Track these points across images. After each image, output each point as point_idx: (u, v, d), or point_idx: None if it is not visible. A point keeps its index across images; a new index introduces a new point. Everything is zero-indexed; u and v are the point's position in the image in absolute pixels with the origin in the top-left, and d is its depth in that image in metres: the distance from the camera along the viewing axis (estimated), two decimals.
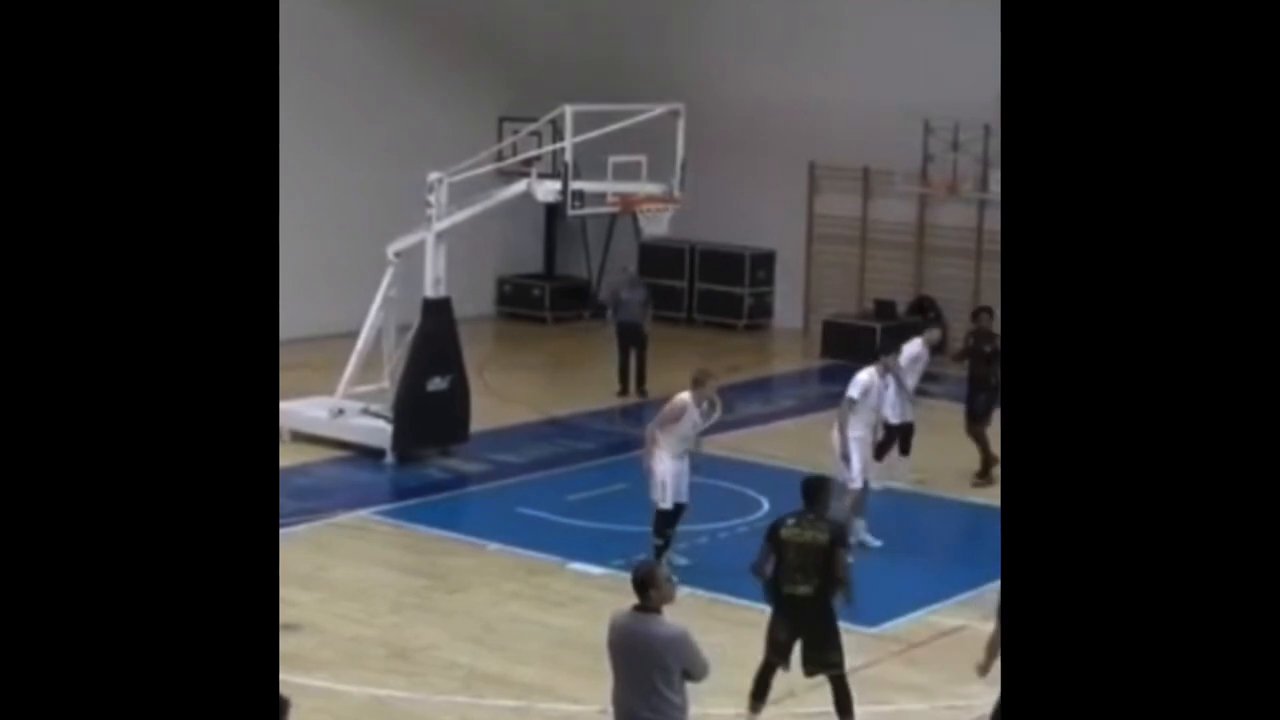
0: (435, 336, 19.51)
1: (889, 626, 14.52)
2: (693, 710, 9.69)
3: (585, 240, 29.66)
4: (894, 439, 18.29)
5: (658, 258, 28.66)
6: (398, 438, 19.30)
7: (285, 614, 12.87)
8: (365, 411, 19.93)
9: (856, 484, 16.00)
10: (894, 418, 18.22)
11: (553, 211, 25.71)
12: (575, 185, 19.33)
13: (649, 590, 9.46)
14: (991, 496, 17.46)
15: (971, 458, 18.74)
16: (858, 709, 12.47)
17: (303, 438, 19.71)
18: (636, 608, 9.47)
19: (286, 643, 12.79)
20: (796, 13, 28.05)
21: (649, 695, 9.34)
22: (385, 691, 12.77)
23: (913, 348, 18.35)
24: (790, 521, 11.82)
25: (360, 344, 19.99)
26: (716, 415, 15.95)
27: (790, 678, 13.16)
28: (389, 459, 19.33)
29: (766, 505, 17.72)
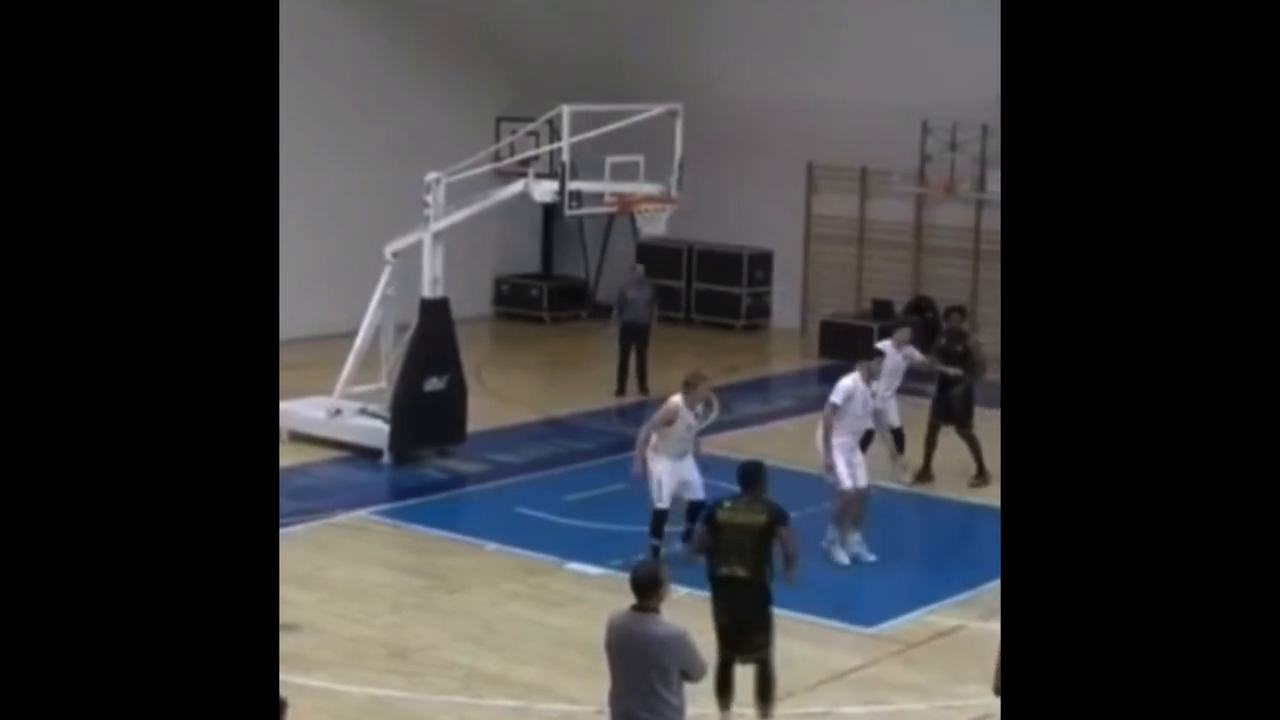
0: (433, 336, 19.51)
1: (886, 627, 14.53)
2: (690, 711, 9.70)
3: (583, 240, 29.67)
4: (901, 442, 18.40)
5: (655, 258, 28.60)
6: (395, 438, 19.30)
7: (284, 614, 12.86)
8: (363, 411, 19.93)
9: (845, 484, 15.91)
10: (896, 421, 18.31)
11: (550, 212, 25.71)
12: (573, 185, 19.33)
13: (651, 591, 9.47)
14: (988, 496, 17.47)
15: (965, 457, 18.73)
16: (857, 709, 12.51)
17: (300, 438, 19.70)
18: (635, 608, 9.48)
19: (285, 643, 12.76)
20: (795, 13, 28.06)
21: (647, 695, 9.34)
22: (384, 691, 12.77)
23: (881, 345, 18.50)
24: (727, 504, 11.94)
25: (358, 344, 19.99)
26: (714, 415, 15.94)
27: (789, 678, 13.17)
28: (386, 459, 19.32)
29: None
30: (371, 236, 20.79)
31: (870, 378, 16.35)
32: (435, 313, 19.50)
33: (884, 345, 18.58)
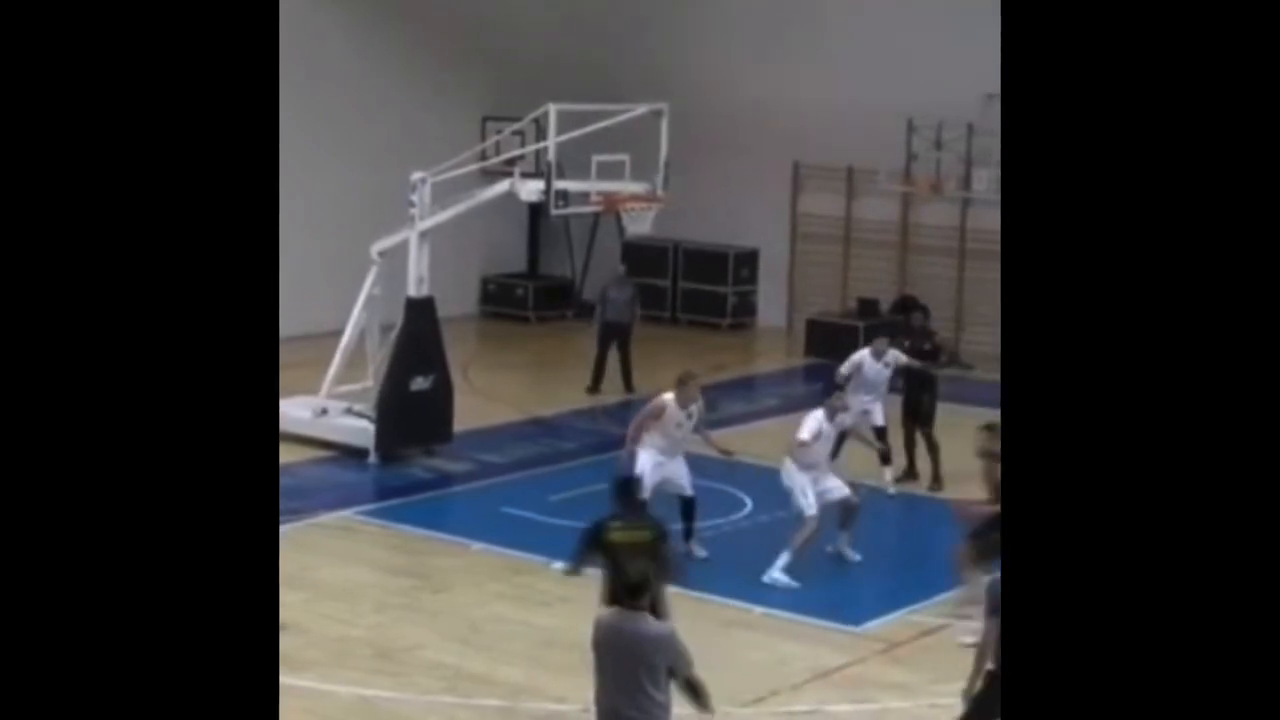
0: (419, 336, 19.51)
1: (872, 626, 14.55)
2: (677, 710, 9.71)
3: (569, 240, 29.68)
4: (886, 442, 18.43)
5: (641, 257, 28.65)
6: (381, 437, 19.29)
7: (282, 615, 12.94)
8: (349, 411, 19.92)
9: (811, 512, 15.83)
10: (880, 420, 18.32)
11: (536, 211, 25.71)
12: (559, 185, 19.34)
13: (642, 590, 9.49)
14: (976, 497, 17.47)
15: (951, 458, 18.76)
16: (843, 707, 12.53)
17: (286, 437, 19.63)
18: (623, 606, 9.49)
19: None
20: (781, 13, 28.08)
21: (635, 694, 9.34)
22: (371, 691, 12.77)
23: (858, 358, 18.27)
24: (616, 525, 12.11)
25: (344, 343, 19.99)
26: (697, 418, 15.92)
27: (776, 677, 13.21)
28: (373, 459, 19.32)
29: (750, 504, 17.76)
30: (356, 236, 20.79)
31: (834, 414, 16.17)
32: (421, 312, 19.49)
33: (863, 355, 18.35)
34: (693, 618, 13.31)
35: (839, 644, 14.13)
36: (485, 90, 27.94)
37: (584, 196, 19.74)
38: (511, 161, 21.25)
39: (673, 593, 12.46)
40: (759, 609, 14.75)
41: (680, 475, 15.88)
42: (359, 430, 19.51)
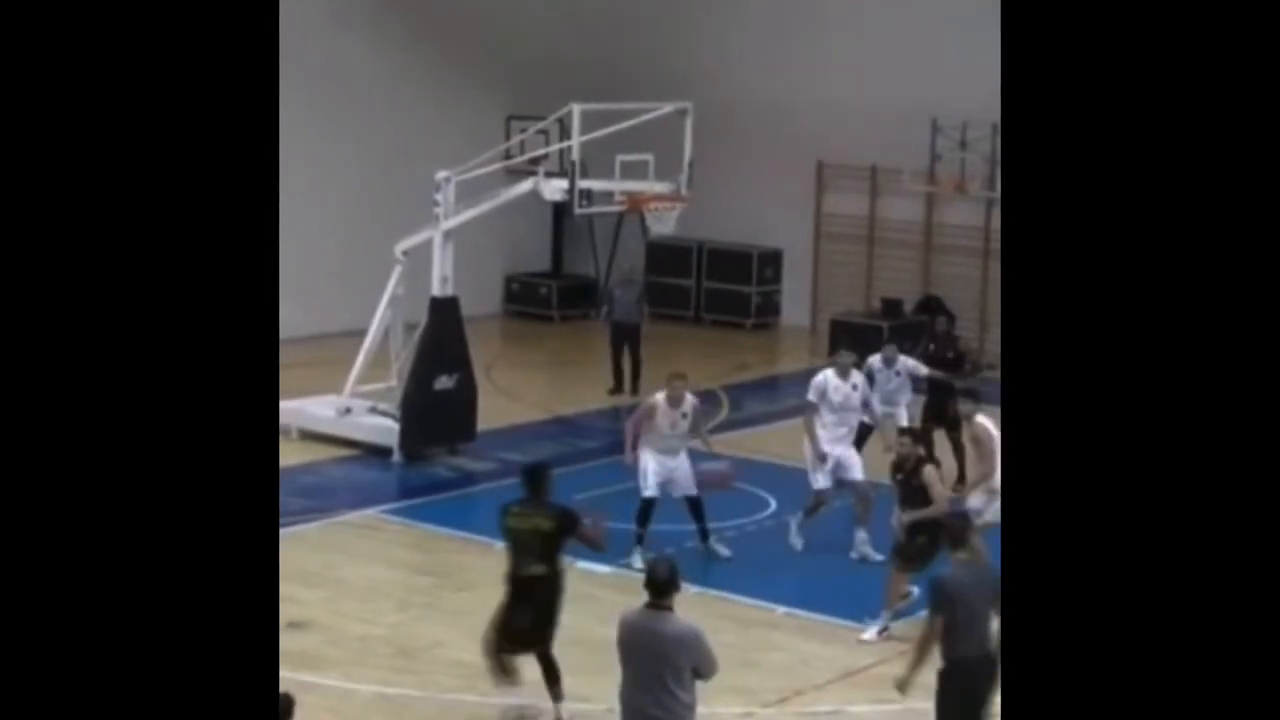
0: (442, 335, 19.51)
1: (896, 626, 14.49)
2: (700, 709, 9.70)
3: (593, 239, 29.66)
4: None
5: (665, 256, 28.68)
6: (405, 436, 19.31)
7: (293, 612, 12.95)
8: (373, 410, 19.94)
9: (817, 485, 16.13)
10: (904, 422, 18.23)
11: (560, 210, 25.68)
12: (583, 184, 19.32)
13: (669, 589, 9.48)
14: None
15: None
16: (866, 708, 12.50)
17: (310, 436, 19.72)
18: (650, 605, 9.49)
19: (294, 641, 12.83)
20: (805, 12, 28.03)
21: (659, 693, 9.34)
22: (393, 690, 12.77)
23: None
24: (515, 509, 12.17)
25: (368, 342, 20.01)
26: (692, 418, 15.90)
27: (799, 677, 13.18)
28: (396, 457, 19.33)
29: (774, 504, 17.73)
30: (380, 235, 20.80)
31: (841, 373, 16.28)
32: (445, 311, 19.50)
33: (874, 362, 18.10)
34: (716, 617, 13.30)
35: (862, 645, 14.10)
36: (509, 90, 27.93)
37: (608, 196, 19.73)
38: (535, 161, 21.23)
39: (695, 593, 12.46)
40: (782, 609, 14.73)
41: (683, 476, 15.91)
42: (383, 429, 19.52)
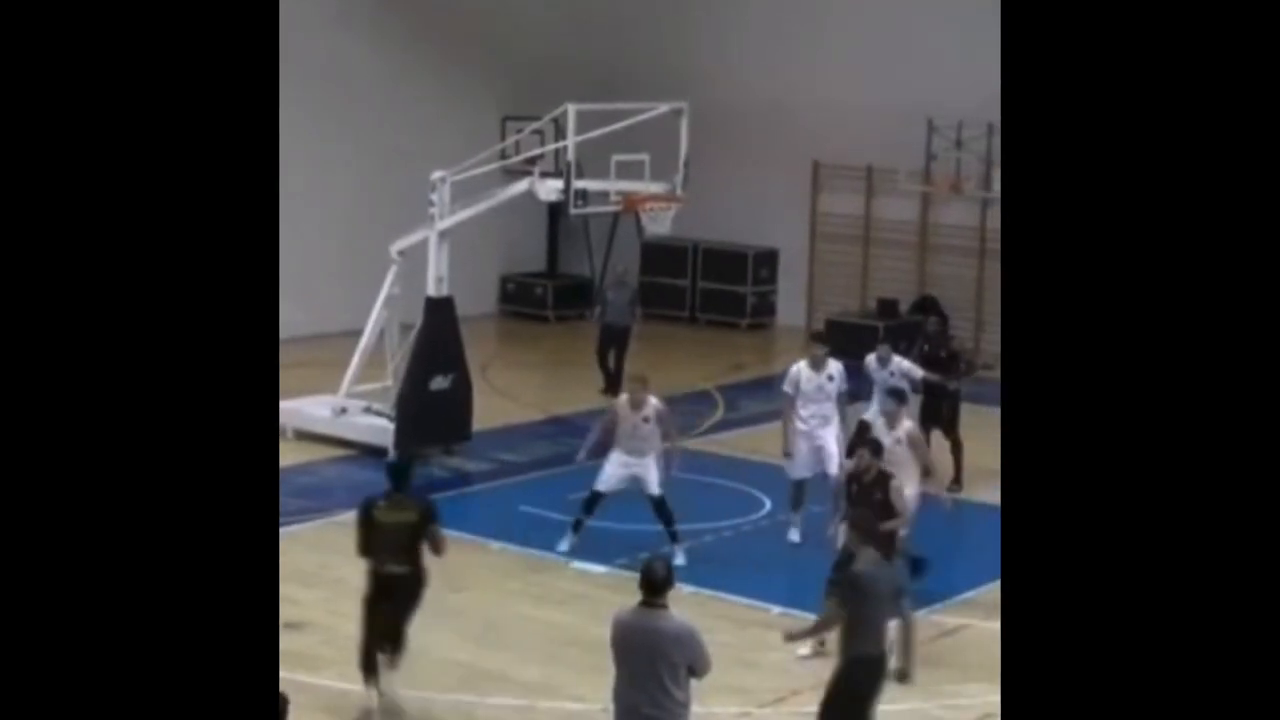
0: (438, 335, 19.51)
1: (891, 625, 14.47)
2: (697, 709, 9.70)
3: (588, 239, 29.66)
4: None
5: (660, 256, 28.69)
6: (400, 436, 19.29)
7: (289, 612, 12.90)
8: (368, 410, 19.93)
9: (793, 475, 16.44)
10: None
11: (555, 210, 25.66)
12: (578, 184, 19.33)
13: (664, 587, 9.49)
14: (991, 496, 17.43)
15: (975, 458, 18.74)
16: None
17: (306, 436, 19.71)
18: (644, 604, 9.49)
19: (290, 641, 12.81)
20: (801, 12, 28.04)
21: (654, 692, 9.34)
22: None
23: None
24: (381, 504, 12.28)
25: (363, 342, 20.00)
26: (651, 426, 15.91)
27: (795, 676, 13.17)
28: (391, 458, 19.30)
29: (769, 504, 17.73)
30: (377, 235, 20.79)
31: (814, 364, 16.41)
32: (440, 311, 19.50)
33: (869, 362, 18.18)
34: (712, 617, 13.30)
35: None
36: (505, 90, 27.93)
37: (603, 196, 19.73)
38: (531, 161, 21.24)
39: (689, 592, 12.47)
40: (777, 609, 14.73)
41: (648, 475, 15.95)
42: (378, 429, 19.51)
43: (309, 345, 22.43)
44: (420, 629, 14.13)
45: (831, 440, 16.39)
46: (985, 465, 18.69)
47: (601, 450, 16.16)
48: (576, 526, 16.07)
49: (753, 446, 19.82)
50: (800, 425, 16.42)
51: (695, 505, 17.02)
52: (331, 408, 19.92)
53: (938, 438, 18.61)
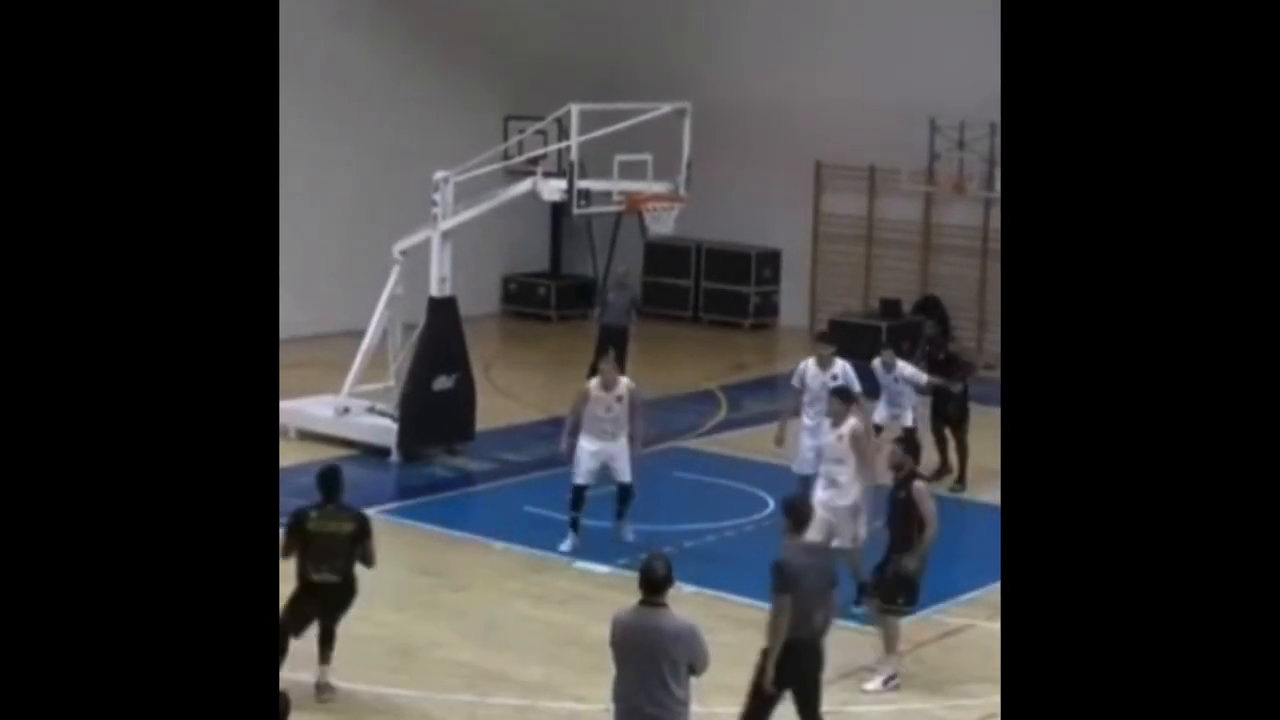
0: (441, 335, 19.51)
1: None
2: (698, 709, 9.70)
3: (591, 239, 29.65)
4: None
5: (663, 256, 28.69)
6: (403, 436, 19.30)
7: None
8: (371, 410, 19.93)
9: (797, 471, 16.42)
10: (909, 422, 18.34)
11: (558, 210, 25.67)
12: (581, 184, 19.32)
13: (665, 586, 9.50)
14: (994, 496, 17.43)
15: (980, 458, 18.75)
16: (864, 707, 12.47)
17: (308, 436, 19.71)
18: (644, 603, 9.49)
19: (292, 641, 12.82)
20: (803, 12, 28.04)
21: (655, 690, 9.34)
22: (390, 690, 12.77)
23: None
24: (314, 514, 12.31)
25: (366, 342, 20.00)
26: (623, 406, 16.13)
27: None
28: (395, 457, 19.32)
29: (772, 504, 17.71)
30: (378, 235, 20.80)
31: (821, 363, 16.50)
32: (443, 311, 19.50)
33: (876, 366, 18.35)
34: (714, 617, 13.29)
35: (862, 644, 14.09)
36: (508, 90, 27.94)
37: (606, 196, 19.73)
38: (534, 161, 21.24)
39: (691, 592, 12.45)
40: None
41: (619, 461, 16.15)
42: (381, 429, 19.51)
43: (311, 345, 22.43)
44: (422, 629, 14.16)
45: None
46: (987, 465, 18.73)
47: (575, 433, 16.24)
48: (574, 525, 16.10)
49: (755, 446, 19.80)
50: (806, 421, 16.49)
51: (698, 505, 17.03)
52: (334, 407, 19.92)
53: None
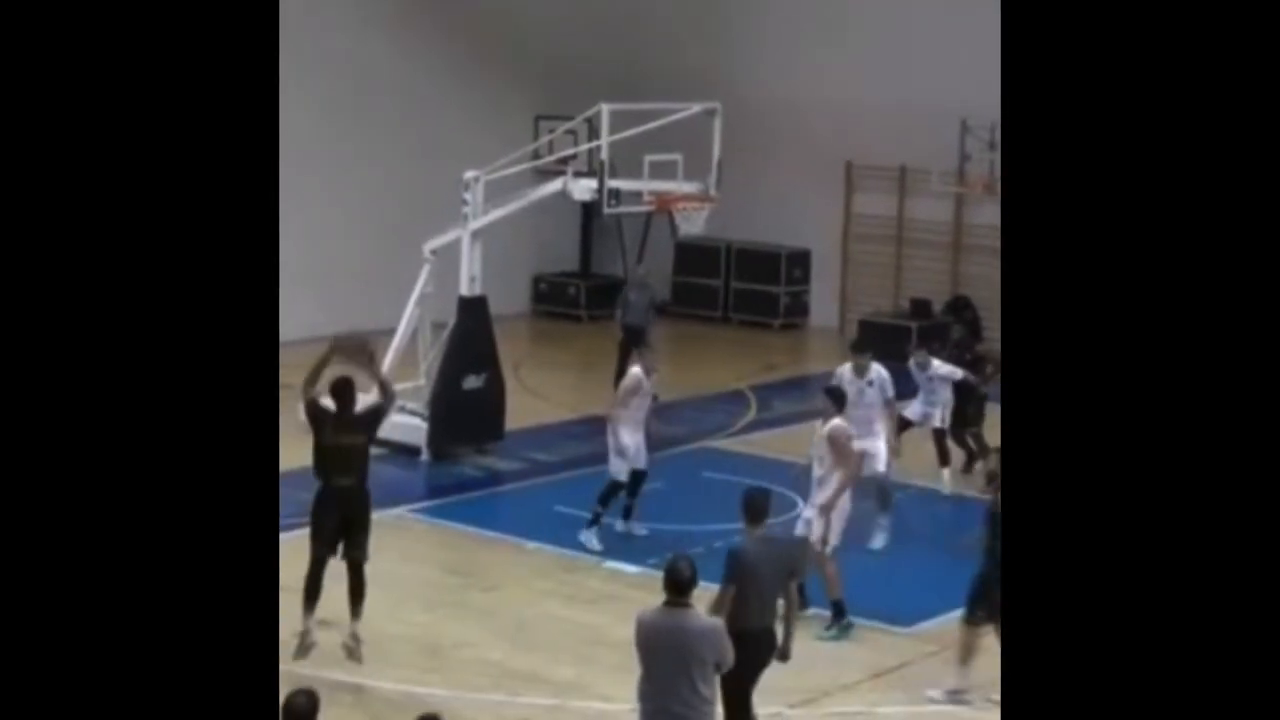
0: (471, 334, 19.53)
1: (923, 627, 14.49)
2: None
3: (621, 239, 29.64)
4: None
5: (693, 256, 28.67)
6: (433, 435, 19.33)
7: (319, 610, 12.97)
8: (401, 409, 19.94)
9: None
10: (938, 423, 18.40)
11: (589, 210, 25.72)
12: (611, 184, 19.34)
13: (690, 587, 9.50)
14: None
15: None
16: (894, 709, 12.46)
17: None
18: (669, 603, 9.49)
19: (320, 638, 12.86)
20: (834, 11, 27.99)
21: (681, 690, 9.35)
22: (419, 689, 12.78)
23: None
24: (330, 427, 13.11)
25: (396, 342, 20.02)
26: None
27: (828, 677, 13.15)
28: (424, 457, 19.35)
29: (801, 504, 17.68)
30: (410, 235, 20.82)
31: (857, 370, 16.49)
32: (473, 311, 19.52)
33: (911, 366, 18.56)
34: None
35: (890, 645, 14.09)
36: (538, 89, 27.94)
37: (636, 196, 19.74)
38: (564, 160, 21.25)
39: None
40: (811, 609, 14.70)
41: (643, 449, 16.40)
42: (411, 428, 19.53)
43: None
44: (452, 628, 14.18)
45: (876, 442, 16.42)
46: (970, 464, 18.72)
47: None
48: (598, 520, 16.26)
49: (785, 447, 19.76)
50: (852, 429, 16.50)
51: (727, 505, 16.95)
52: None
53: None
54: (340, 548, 12.93)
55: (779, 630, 11.13)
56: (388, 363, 19.98)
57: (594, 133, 20.45)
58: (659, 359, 16.62)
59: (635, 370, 16.41)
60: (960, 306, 26.51)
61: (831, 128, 27.59)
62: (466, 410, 19.47)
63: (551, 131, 23.04)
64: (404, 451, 19.47)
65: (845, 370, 16.75)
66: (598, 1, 29.13)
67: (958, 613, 14.63)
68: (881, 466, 16.40)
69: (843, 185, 28.20)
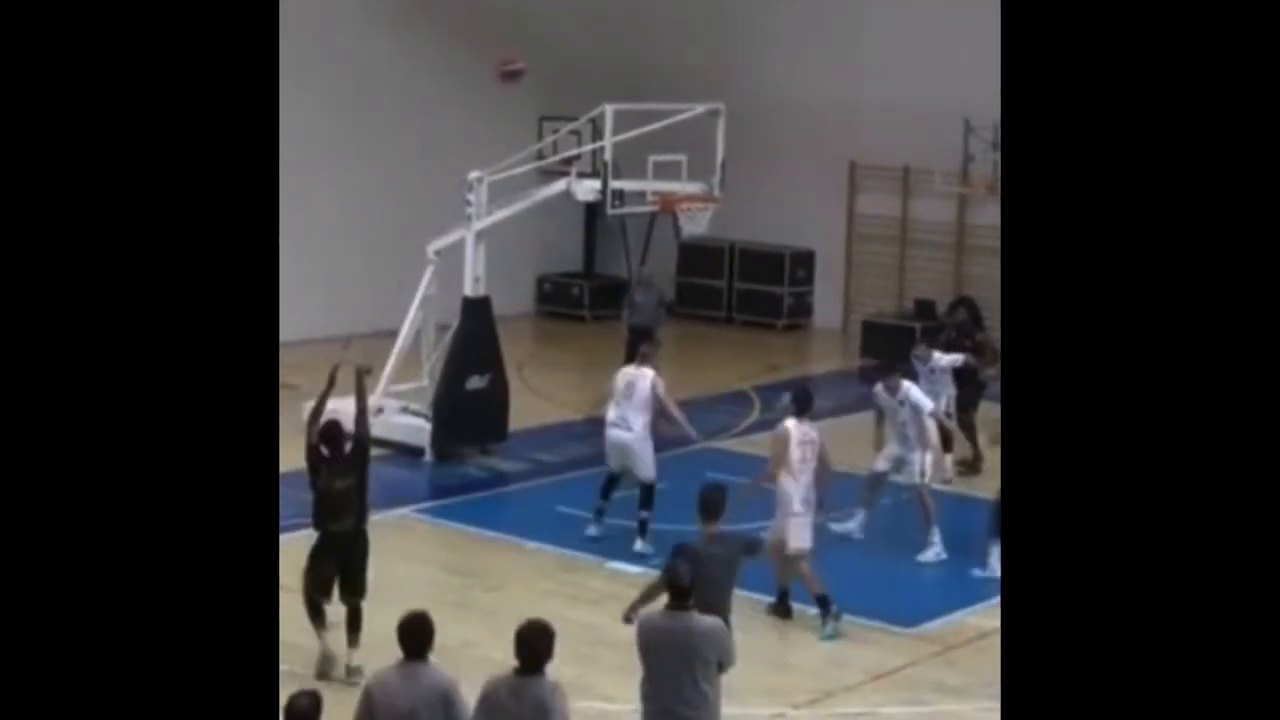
0: (475, 335, 19.54)
1: (927, 627, 14.49)
2: (732, 710, 9.70)
3: (625, 239, 29.64)
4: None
5: (697, 257, 28.67)
6: (437, 436, 19.33)
7: (326, 611, 12.98)
8: (405, 410, 19.96)
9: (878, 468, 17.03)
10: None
11: (592, 210, 25.71)
12: (615, 184, 19.34)
13: (690, 593, 9.51)
14: None
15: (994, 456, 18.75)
16: (896, 709, 12.45)
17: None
18: (671, 607, 9.50)
19: (325, 640, 12.86)
20: (836, 12, 28.00)
21: (686, 690, 9.36)
22: None
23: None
24: (324, 472, 13.23)
25: (400, 342, 20.03)
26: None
27: (830, 678, 13.15)
28: (428, 457, 19.36)
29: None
30: (414, 235, 20.82)
31: (889, 389, 16.86)
32: (477, 311, 19.53)
33: (915, 363, 18.75)
34: (748, 618, 13.28)
35: (893, 646, 14.08)
36: (542, 90, 27.92)
37: (640, 196, 19.76)
38: (568, 161, 21.25)
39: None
40: (814, 610, 14.71)
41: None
42: (415, 429, 19.54)
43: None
44: (455, 629, 14.15)
45: (913, 454, 16.64)
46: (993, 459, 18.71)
47: None
48: (643, 528, 16.26)
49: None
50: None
51: (730, 506, 16.96)
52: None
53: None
54: (335, 593, 13.12)
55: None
56: (390, 364, 20.04)
57: (598, 133, 20.45)
58: (660, 359, 16.54)
59: (655, 378, 16.48)
60: (964, 307, 26.50)
61: (835, 128, 27.59)
62: (470, 411, 19.47)
63: (555, 132, 23.06)
64: (407, 452, 19.48)
65: (880, 390, 17.19)
66: (602, 2, 29.14)
67: (960, 613, 14.68)
68: (916, 476, 16.50)
69: (846, 186, 28.20)
